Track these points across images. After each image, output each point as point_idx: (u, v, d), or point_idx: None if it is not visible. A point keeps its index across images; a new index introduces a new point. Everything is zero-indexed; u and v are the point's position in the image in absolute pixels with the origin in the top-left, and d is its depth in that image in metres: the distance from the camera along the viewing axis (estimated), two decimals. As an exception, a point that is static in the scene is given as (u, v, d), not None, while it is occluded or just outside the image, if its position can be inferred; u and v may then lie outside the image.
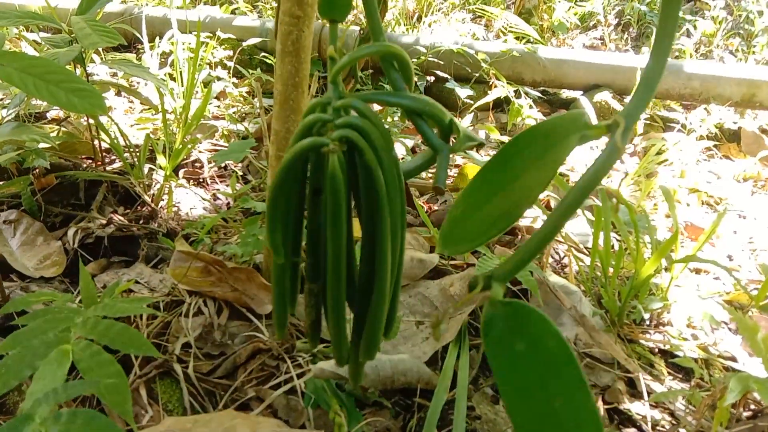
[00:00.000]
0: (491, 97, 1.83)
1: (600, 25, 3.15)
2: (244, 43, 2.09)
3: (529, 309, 0.41)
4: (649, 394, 0.88)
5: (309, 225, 0.48)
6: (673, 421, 0.85)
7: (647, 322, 1.03)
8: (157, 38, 1.97)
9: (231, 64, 2.08)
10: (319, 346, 0.84)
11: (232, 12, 2.49)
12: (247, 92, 2.09)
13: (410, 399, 0.79)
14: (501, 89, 1.80)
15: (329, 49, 0.45)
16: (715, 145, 1.98)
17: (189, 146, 1.24)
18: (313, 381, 0.76)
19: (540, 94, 2.15)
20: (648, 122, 2.13)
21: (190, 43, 2.09)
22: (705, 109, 2.29)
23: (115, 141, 1.18)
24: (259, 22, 2.25)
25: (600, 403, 0.85)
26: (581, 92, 2.20)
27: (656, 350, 0.99)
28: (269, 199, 0.43)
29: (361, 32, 0.76)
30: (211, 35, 2.11)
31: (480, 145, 0.49)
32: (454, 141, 0.49)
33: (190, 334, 0.85)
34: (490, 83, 1.97)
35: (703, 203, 1.68)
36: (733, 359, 0.99)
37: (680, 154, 1.80)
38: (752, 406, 0.92)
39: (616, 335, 0.97)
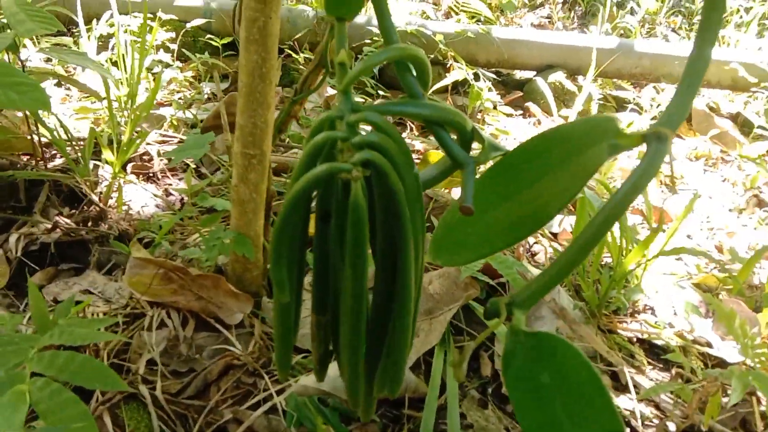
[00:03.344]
0: (449, 79, 1.79)
1: (547, 4, 3.15)
2: (188, 25, 1.98)
3: (555, 339, 0.37)
4: (634, 386, 0.86)
5: (316, 253, 0.43)
6: (660, 414, 0.84)
7: (623, 312, 1.02)
8: (95, 21, 1.84)
9: (174, 47, 1.97)
10: (296, 357, 0.79)
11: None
12: (192, 77, 1.98)
13: (398, 410, 0.75)
14: (459, 72, 1.76)
15: (341, 54, 0.39)
16: (667, 124, 2.00)
17: (137, 139, 1.15)
18: (294, 397, 0.71)
19: (494, 75, 2.12)
20: (601, 102, 2.13)
21: (129, 26, 1.96)
22: (654, 87, 2.31)
23: (56, 135, 1.08)
24: (203, 2, 2.13)
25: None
26: (534, 72, 2.18)
27: (634, 339, 0.98)
28: (275, 233, 0.38)
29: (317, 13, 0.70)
30: (152, 16, 1.98)
31: (504, 154, 0.45)
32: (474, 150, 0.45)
33: (154, 349, 0.79)
34: (447, 65, 1.93)
35: (661, 183, 1.70)
36: (709, 345, 0.99)
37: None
38: (729, 391, 0.92)
39: (596, 327, 0.96)
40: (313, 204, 0.42)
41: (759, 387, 0.65)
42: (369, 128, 0.40)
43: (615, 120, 0.40)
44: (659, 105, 1.99)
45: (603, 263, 1.09)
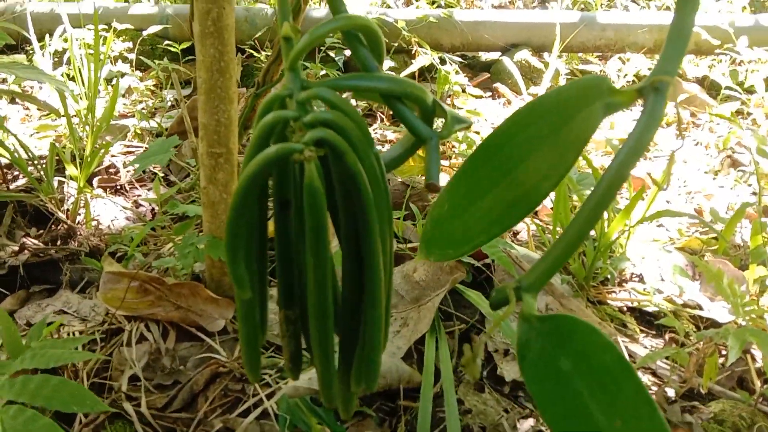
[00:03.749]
0: (416, 66, 1.77)
1: (506, -16, 3.14)
2: (144, 33, 1.93)
3: (574, 320, 0.35)
4: (629, 356, 0.85)
5: (277, 244, 0.40)
6: (658, 381, 0.83)
7: (611, 282, 1.01)
8: (47, 36, 1.78)
9: (132, 56, 1.92)
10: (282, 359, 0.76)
11: (124, 0, 2.30)
12: (154, 85, 1.94)
13: (393, 402, 0.73)
14: (425, 57, 1.74)
15: (284, 28, 0.37)
16: (635, 94, 2.01)
17: (101, 152, 1.11)
18: (286, 399, 0.69)
19: (460, 59, 2.11)
20: (569, 77, 2.13)
21: (84, 38, 1.91)
22: (619, 58, 2.32)
23: (16, 155, 1.04)
24: (158, 9, 2.09)
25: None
26: (499, 53, 2.17)
27: (624, 308, 0.97)
28: (228, 226, 0.35)
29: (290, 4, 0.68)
30: (107, 27, 1.93)
31: (468, 126, 0.42)
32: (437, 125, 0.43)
33: (135, 365, 0.76)
34: (412, 52, 1.91)
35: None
36: (699, 307, 0.98)
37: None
38: (723, 352, 0.91)
39: (586, 299, 0.95)
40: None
41: (756, 342, 0.64)
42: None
43: (606, 78, 0.38)
44: (626, 75, 1.99)
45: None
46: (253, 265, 0.39)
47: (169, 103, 1.84)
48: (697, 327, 0.96)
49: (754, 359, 0.89)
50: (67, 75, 1.62)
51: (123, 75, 1.71)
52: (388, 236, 0.40)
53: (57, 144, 1.24)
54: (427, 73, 2.02)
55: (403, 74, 1.85)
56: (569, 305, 0.91)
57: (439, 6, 2.51)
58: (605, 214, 1.00)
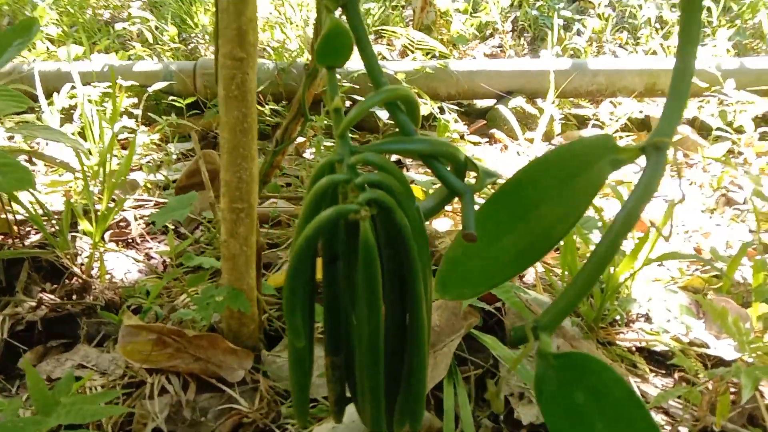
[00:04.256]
0: (415, 115, 1.81)
1: (497, 34, 3.24)
2: (150, 89, 1.98)
3: (587, 357, 0.37)
4: (641, 395, 0.87)
5: (325, 296, 0.43)
6: (671, 420, 0.84)
7: (620, 323, 1.03)
8: (55, 94, 1.83)
9: (137, 112, 1.96)
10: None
11: (128, 58, 2.36)
12: (159, 139, 1.98)
13: (413, 448, 0.74)
14: (424, 107, 1.80)
15: (336, 101, 0.40)
16: (628, 136, 2.06)
17: (115, 208, 1.14)
18: (308, 448, 0.70)
19: (456, 107, 2.16)
20: (563, 122, 2.19)
21: (90, 95, 1.96)
22: (611, 102, 2.38)
23: (33, 211, 1.06)
24: (162, 66, 2.14)
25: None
26: (494, 100, 2.23)
27: (633, 349, 0.99)
28: (288, 282, 0.38)
29: (306, 68, 0.71)
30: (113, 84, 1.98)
31: (497, 179, 0.46)
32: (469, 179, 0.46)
33: (158, 417, 0.77)
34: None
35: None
36: (706, 345, 1.00)
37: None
38: (732, 389, 0.93)
39: (596, 341, 0.97)
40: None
41: (764, 375, 0.66)
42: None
43: (611, 137, 0.41)
44: (619, 119, 2.05)
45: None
46: (306, 317, 0.41)
47: (175, 157, 1.88)
48: (705, 365, 0.98)
49: (762, 396, 0.91)
50: (77, 132, 1.66)
51: (132, 131, 1.75)
52: (428, 284, 0.42)
53: (69, 199, 1.26)
54: (425, 122, 2.07)
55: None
56: (580, 347, 0.93)
57: (433, 57, 2.59)
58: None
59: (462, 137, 1.78)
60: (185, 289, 1.05)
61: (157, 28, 2.65)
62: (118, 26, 2.59)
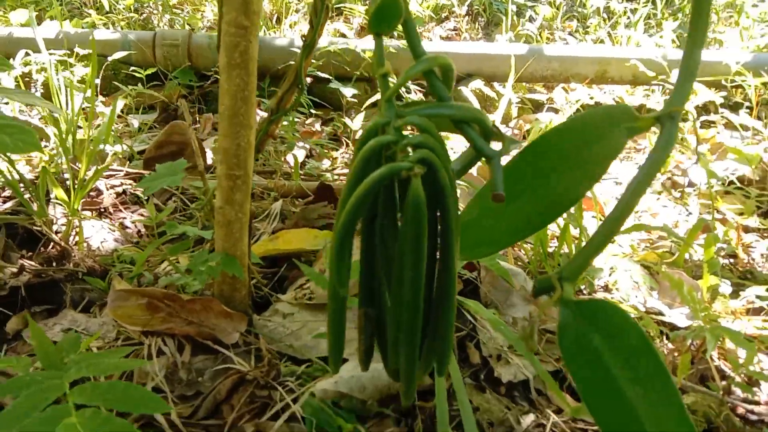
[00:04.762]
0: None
1: (452, 17, 3.29)
2: (109, 58, 1.94)
3: (605, 304, 0.42)
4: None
5: (363, 251, 0.46)
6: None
7: (583, 292, 1.10)
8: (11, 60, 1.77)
9: (97, 81, 1.92)
10: (300, 368, 0.81)
11: (82, 26, 2.29)
12: (120, 109, 1.94)
13: (405, 403, 0.78)
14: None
15: (385, 66, 0.44)
16: (581, 121, 2.15)
17: (94, 177, 1.13)
18: (310, 403, 0.73)
19: (418, 87, 2.21)
20: (519, 105, 2.26)
21: (42, 63, 1.91)
22: (563, 88, 2.48)
23: (11, 178, 1.05)
24: (120, 35, 2.10)
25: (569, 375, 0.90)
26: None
27: (596, 316, 1.07)
28: (339, 234, 0.41)
29: (303, 38, 0.73)
30: (69, 52, 1.93)
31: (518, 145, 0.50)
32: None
33: (158, 376, 0.79)
34: (372, 80, 2.00)
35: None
36: (660, 313, 1.09)
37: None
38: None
39: (563, 308, 1.04)
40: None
41: (728, 336, 0.74)
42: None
43: (629, 107, 0.46)
44: (575, 103, 2.14)
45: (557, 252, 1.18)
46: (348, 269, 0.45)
47: (136, 127, 1.85)
48: (660, 331, 1.07)
49: (712, 358, 1.00)
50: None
51: (115, 97, 1.71)
52: (458, 238, 0.47)
53: (46, 167, 1.24)
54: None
55: (369, 102, 1.93)
56: (551, 313, 1.00)
57: (391, 37, 2.62)
58: (576, 231, 1.10)
59: (427, 116, 1.83)
60: (166, 257, 1.06)
61: (112, -5, 2.57)
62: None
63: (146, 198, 1.33)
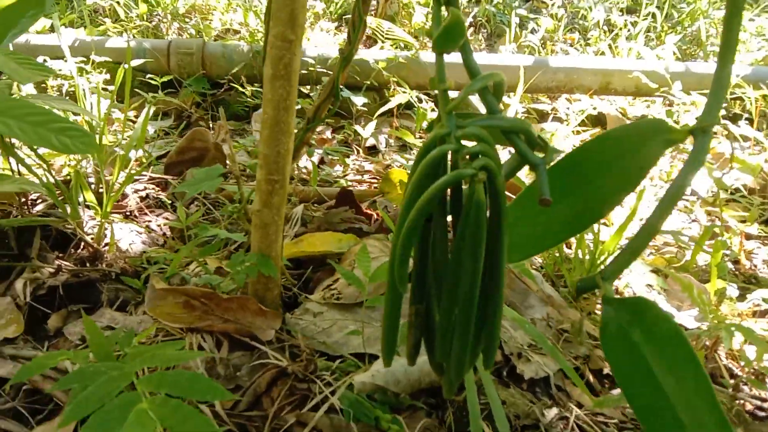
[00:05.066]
0: (394, 103, 1.90)
1: (456, 27, 3.34)
2: (125, 66, 1.98)
3: (645, 301, 0.46)
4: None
5: (417, 251, 0.51)
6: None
7: (596, 294, 1.15)
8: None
9: (112, 88, 1.96)
10: (335, 363, 0.85)
11: (101, 34, 2.34)
12: (134, 116, 1.98)
13: (434, 397, 0.83)
14: (403, 95, 1.88)
15: (446, 83, 0.48)
16: (585, 131, 2.21)
17: (125, 181, 1.17)
18: (347, 396, 0.77)
19: (424, 96, 2.26)
20: (525, 115, 2.31)
21: (60, 70, 1.94)
22: (567, 99, 2.53)
23: (47, 180, 1.09)
24: (135, 43, 2.14)
25: (588, 372, 0.94)
26: (457, 92, 2.33)
27: (610, 318, 1.11)
28: (405, 236, 0.45)
29: (341, 53, 0.77)
30: (85, 59, 1.97)
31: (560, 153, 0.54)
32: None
33: (199, 369, 0.82)
34: (391, 89, 2.05)
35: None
36: (671, 315, 1.13)
37: (564, 141, 1.99)
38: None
39: (578, 310, 1.08)
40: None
41: (743, 333, 0.78)
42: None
43: (665, 121, 0.51)
44: (580, 113, 2.19)
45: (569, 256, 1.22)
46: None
47: (155, 134, 1.89)
48: (670, 333, 1.11)
49: (720, 359, 1.05)
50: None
51: (149, 102, 1.76)
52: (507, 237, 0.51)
53: (78, 171, 1.28)
54: (395, 110, 2.15)
55: (380, 111, 1.98)
56: (567, 314, 1.04)
57: (397, 47, 2.67)
58: (591, 236, 1.15)
59: (438, 125, 1.88)
60: (196, 258, 1.10)
61: (125, 4, 2.62)
62: (90, 0, 2.54)
63: (170, 202, 1.37)
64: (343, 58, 0.81)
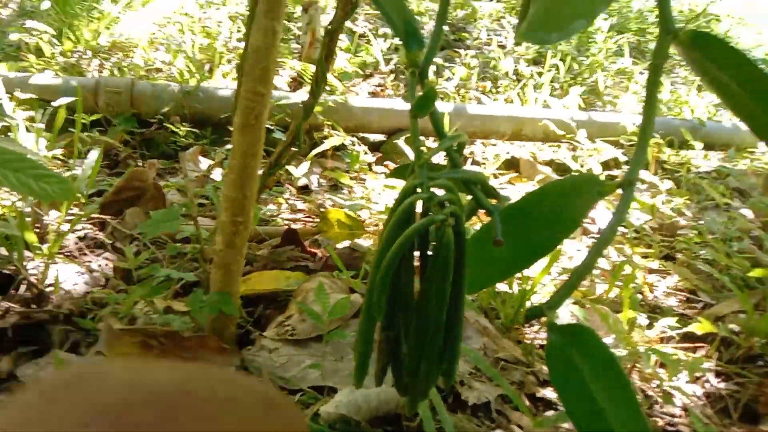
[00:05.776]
0: (327, 145, 1.98)
1: (376, 74, 3.49)
2: (54, 104, 1.96)
3: (582, 327, 0.56)
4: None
5: (391, 283, 0.58)
6: (575, 398, 1.07)
7: (524, 325, 1.26)
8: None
9: (41, 126, 1.93)
10: (296, 396, 0.90)
11: (23, 70, 2.28)
12: (61, 154, 1.95)
13: (391, 425, 0.89)
14: (337, 138, 1.96)
15: (418, 142, 0.56)
16: (503, 174, 2.37)
17: (73, 221, 1.18)
18: (311, 427, 0.82)
19: (354, 139, 2.35)
20: (446, 157, 2.45)
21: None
22: (482, 143, 2.70)
23: (-8, 223, 1.08)
24: (61, 80, 2.11)
25: (523, 396, 1.04)
26: (385, 135, 2.45)
27: (538, 346, 1.22)
28: (383, 272, 0.53)
29: (303, 104, 0.83)
30: (9, 95, 1.93)
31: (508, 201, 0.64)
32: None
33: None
34: (323, 131, 2.12)
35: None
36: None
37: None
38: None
39: (511, 339, 1.18)
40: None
41: (659, 356, 0.90)
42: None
43: (596, 176, 0.61)
44: (497, 158, 2.35)
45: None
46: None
47: (77, 172, 1.87)
48: (590, 359, 1.23)
49: (635, 380, 1.17)
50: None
51: (99, 141, 1.73)
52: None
53: (22, 213, 1.27)
54: (334, 151, 2.23)
55: (314, 152, 2.05)
56: (502, 344, 1.14)
57: (331, 94, 2.77)
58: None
59: (370, 167, 1.97)
60: (144, 298, 1.11)
61: (48, 41, 2.57)
62: (12, 36, 2.48)
63: (111, 242, 1.37)
64: (305, 109, 0.88)
